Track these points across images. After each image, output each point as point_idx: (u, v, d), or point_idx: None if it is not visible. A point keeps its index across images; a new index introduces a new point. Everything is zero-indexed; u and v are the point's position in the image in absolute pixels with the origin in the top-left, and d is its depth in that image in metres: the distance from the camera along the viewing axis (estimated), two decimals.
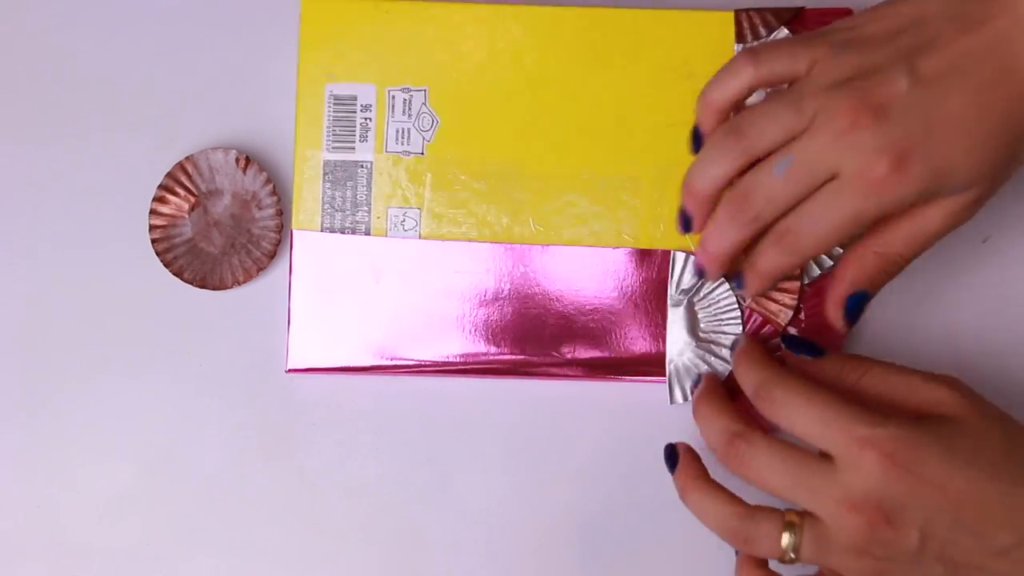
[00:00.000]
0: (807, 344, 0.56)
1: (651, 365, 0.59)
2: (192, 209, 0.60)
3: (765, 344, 0.58)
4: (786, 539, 0.51)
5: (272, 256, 0.60)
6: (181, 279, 0.60)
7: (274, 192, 0.60)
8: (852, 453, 0.50)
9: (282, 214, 0.60)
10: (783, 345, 0.56)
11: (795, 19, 0.60)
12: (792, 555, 0.52)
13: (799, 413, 0.52)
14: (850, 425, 0.50)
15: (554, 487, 0.60)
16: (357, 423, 0.60)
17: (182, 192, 0.60)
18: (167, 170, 0.60)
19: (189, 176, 0.60)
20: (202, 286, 0.60)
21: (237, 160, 0.60)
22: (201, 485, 0.60)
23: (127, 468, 0.60)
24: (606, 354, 0.59)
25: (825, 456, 0.51)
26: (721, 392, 0.56)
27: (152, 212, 0.60)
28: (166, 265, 0.60)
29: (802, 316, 0.59)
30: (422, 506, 0.60)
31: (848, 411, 0.51)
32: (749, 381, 0.54)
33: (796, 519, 0.52)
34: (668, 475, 0.56)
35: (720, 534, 0.53)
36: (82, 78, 0.61)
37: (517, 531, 0.60)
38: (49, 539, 0.60)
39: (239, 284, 0.60)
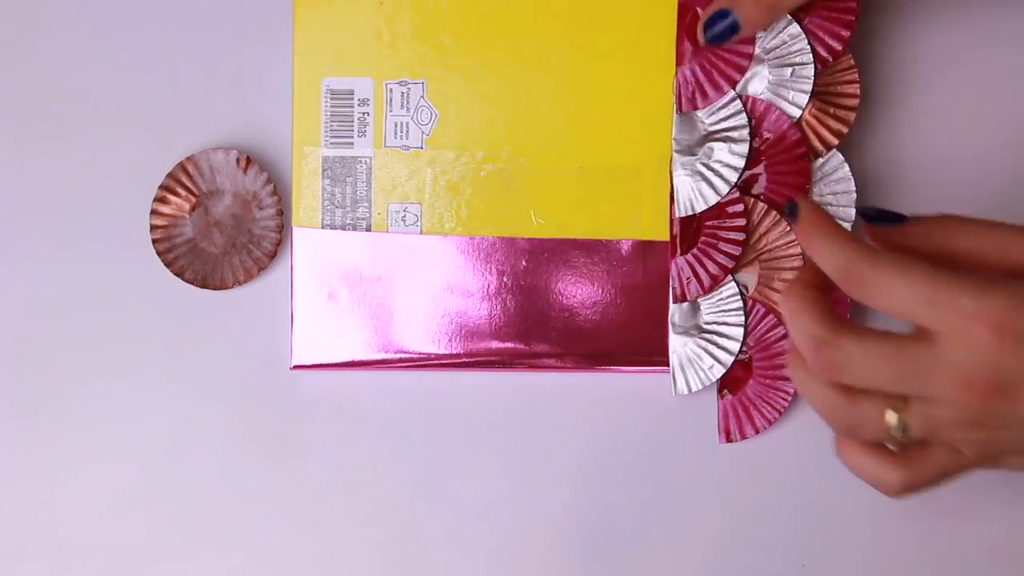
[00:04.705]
0: (887, 213, 0.52)
1: (654, 356, 0.58)
2: (193, 209, 0.60)
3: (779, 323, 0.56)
4: (892, 419, 0.49)
5: (273, 256, 0.60)
6: (182, 279, 0.60)
7: (275, 192, 0.60)
8: (960, 328, 0.47)
9: (283, 214, 0.60)
10: (862, 218, 0.52)
11: (801, 9, 0.59)
12: (901, 435, 0.49)
13: (897, 292, 0.48)
14: (955, 299, 0.47)
15: (557, 482, 0.59)
16: (359, 422, 0.60)
17: (183, 192, 0.60)
18: (168, 170, 0.60)
19: (190, 176, 0.60)
20: (203, 286, 0.60)
21: (238, 160, 0.60)
22: (201, 485, 0.60)
23: (128, 468, 0.60)
24: (609, 345, 0.58)
25: (922, 335, 0.48)
26: (812, 282, 0.51)
27: (153, 212, 0.60)
28: (167, 265, 0.60)
29: None
30: (424, 504, 0.59)
31: (950, 283, 0.48)
32: (832, 261, 0.50)
33: (901, 400, 0.49)
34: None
35: (825, 420, 0.51)
36: (82, 79, 0.61)
37: (519, 528, 0.59)
38: (49, 539, 0.59)
39: (240, 284, 0.60)
